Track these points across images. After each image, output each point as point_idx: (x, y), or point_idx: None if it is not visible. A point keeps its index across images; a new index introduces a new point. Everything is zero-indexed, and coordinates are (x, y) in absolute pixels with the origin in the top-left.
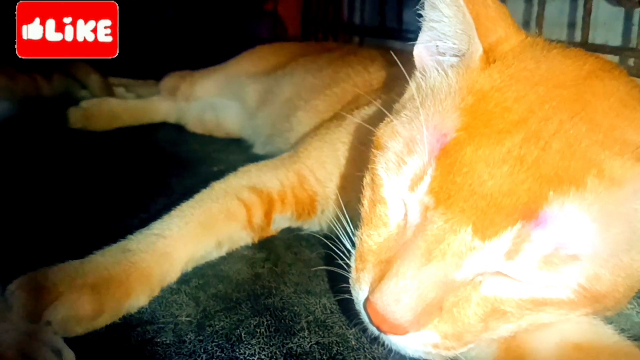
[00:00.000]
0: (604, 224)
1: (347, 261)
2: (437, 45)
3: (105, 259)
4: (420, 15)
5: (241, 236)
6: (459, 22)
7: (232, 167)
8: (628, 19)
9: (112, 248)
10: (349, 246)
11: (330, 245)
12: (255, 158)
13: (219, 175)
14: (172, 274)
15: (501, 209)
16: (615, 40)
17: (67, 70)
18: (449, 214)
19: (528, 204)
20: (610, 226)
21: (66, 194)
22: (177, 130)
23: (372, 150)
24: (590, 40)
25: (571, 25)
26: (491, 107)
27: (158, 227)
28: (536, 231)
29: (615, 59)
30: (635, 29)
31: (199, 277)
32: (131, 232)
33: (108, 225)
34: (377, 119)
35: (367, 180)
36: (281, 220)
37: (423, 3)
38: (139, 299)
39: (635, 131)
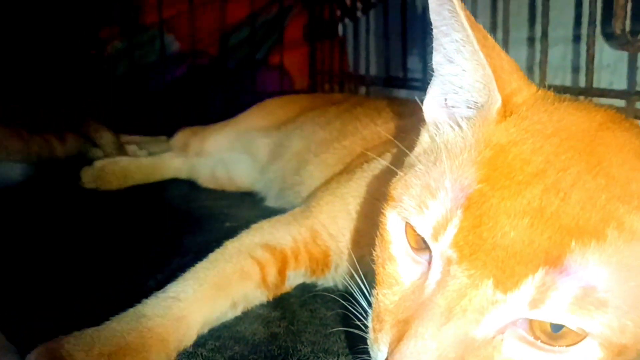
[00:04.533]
0: (623, 277)
1: (365, 321)
2: (445, 99)
3: (121, 326)
4: (431, 68)
5: (256, 295)
6: (478, 75)
7: (245, 223)
8: (633, 61)
9: (128, 313)
10: (365, 305)
11: (346, 305)
12: (268, 212)
13: (232, 231)
14: (189, 338)
15: (521, 258)
16: (620, 83)
17: (80, 130)
18: (472, 269)
19: (550, 251)
20: (629, 279)
21: (80, 255)
22: (189, 186)
23: (384, 204)
24: (595, 83)
25: (575, 69)
26: (510, 159)
27: (173, 290)
28: (562, 278)
29: (621, 103)
30: None
31: (215, 339)
32: (147, 294)
33: (124, 287)
34: (388, 172)
35: (377, 236)
36: (295, 277)
37: (434, 57)
38: None
39: None
